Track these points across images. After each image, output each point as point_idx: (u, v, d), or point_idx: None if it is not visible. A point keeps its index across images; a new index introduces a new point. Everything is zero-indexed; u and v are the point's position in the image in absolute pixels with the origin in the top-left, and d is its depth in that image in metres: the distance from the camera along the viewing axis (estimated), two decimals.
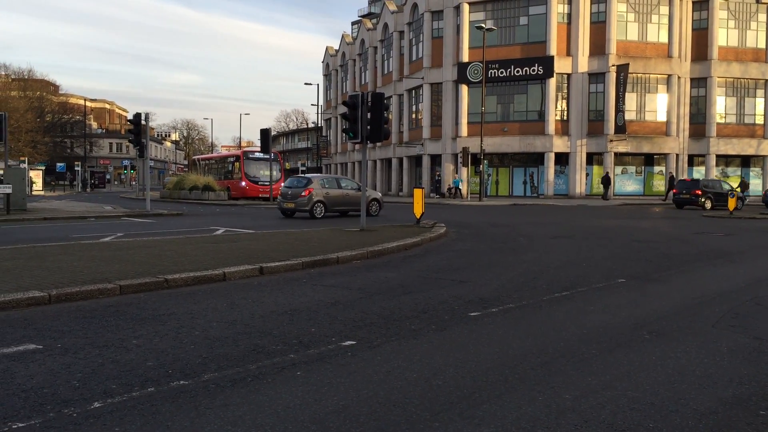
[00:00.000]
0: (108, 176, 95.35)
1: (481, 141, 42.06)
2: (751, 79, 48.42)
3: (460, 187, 46.33)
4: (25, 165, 54.92)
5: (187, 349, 5.68)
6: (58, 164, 71.14)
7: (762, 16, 48.29)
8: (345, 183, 27.23)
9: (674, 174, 45.34)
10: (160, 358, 5.42)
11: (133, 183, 79.09)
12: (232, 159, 47.93)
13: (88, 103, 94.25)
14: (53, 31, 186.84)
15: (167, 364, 5.25)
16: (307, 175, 30.09)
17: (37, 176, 56.73)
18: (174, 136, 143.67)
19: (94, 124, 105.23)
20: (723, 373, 5.17)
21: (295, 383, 4.79)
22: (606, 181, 44.31)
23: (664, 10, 46.61)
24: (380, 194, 28.58)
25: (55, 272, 9.23)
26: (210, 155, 68.79)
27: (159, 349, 5.68)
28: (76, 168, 69.82)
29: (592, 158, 47.47)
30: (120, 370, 5.06)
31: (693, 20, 47.74)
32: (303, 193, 24.72)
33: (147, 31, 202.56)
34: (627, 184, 46.74)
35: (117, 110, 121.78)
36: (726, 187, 37.48)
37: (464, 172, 46.86)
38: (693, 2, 47.49)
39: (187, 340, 6.02)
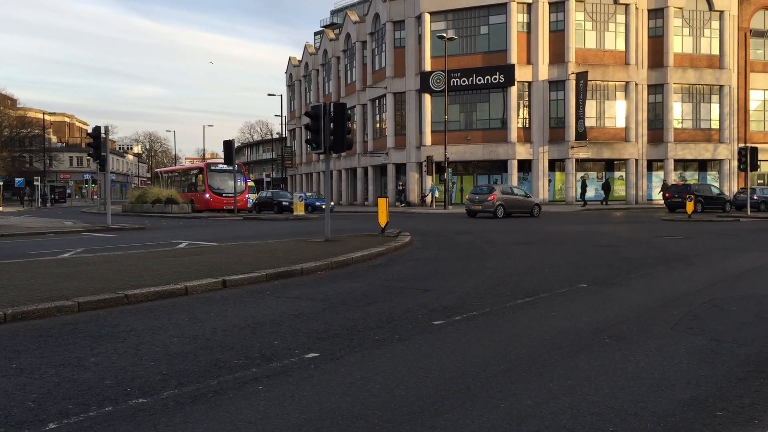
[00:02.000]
0: (68, 191, 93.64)
1: (445, 149, 42.35)
2: (706, 85, 49.58)
3: (436, 195, 46.63)
4: None
5: (147, 366, 5.59)
6: (17, 179, 69.63)
7: (715, 24, 49.53)
8: (516, 190, 34.15)
9: (666, 180, 46.92)
10: (119, 376, 5.32)
11: (95, 197, 77.83)
12: (195, 171, 47.48)
13: (48, 117, 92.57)
14: (10, 44, 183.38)
15: (126, 382, 5.15)
16: (489, 185, 37.12)
17: None
18: (136, 149, 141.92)
19: (54, 138, 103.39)
20: (681, 375, 5.25)
21: (256, 398, 4.74)
22: (606, 186, 45.30)
23: (621, 18, 47.55)
24: (540, 199, 37.27)
25: (11, 290, 9.01)
26: (173, 168, 68.07)
27: (117, 367, 5.58)
28: (35, 183, 68.43)
29: (554, 165, 48.11)
30: (77, 390, 4.95)
31: (649, 28, 48.78)
32: (488, 198, 31.25)
33: (108, 43, 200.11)
34: (588, 190, 47.38)
35: (77, 123, 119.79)
36: (715, 191, 38.67)
37: (429, 180, 47.09)
38: (648, 10, 48.54)
39: (147, 356, 5.92)
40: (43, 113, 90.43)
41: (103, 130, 26.81)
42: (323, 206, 41.78)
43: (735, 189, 48.40)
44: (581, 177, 46.47)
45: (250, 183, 55.47)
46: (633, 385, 4.97)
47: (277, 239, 18.41)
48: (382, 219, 19.54)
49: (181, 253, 14.50)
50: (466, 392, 4.84)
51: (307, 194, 45.43)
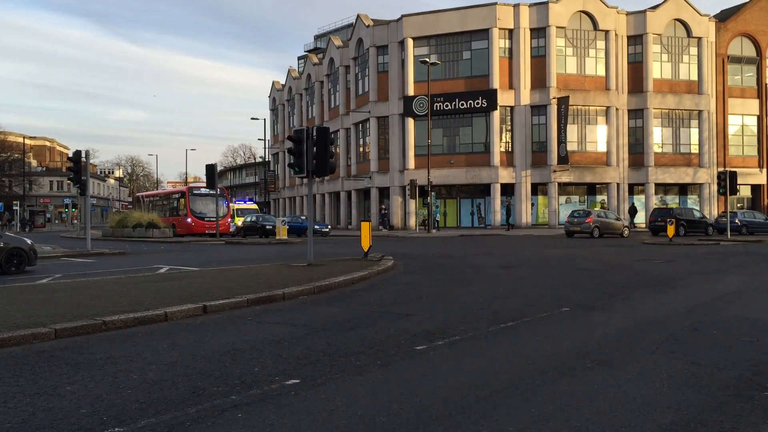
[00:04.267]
0: (48, 215, 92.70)
1: (428, 173, 42.50)
2: (685, 110, 50.31)
3: (438, 218, 46.64)
4: None
5: (124, 395, 5.49)
6: None
7: (693, 50, 50.39)
8: (609, 214, 38.21)
9: (634, 204, 47.40)
10: (95, 404, 5.22)
11: (75, 222, 77.10)
12: (177, 195, 47.24)
13: (28, 141, 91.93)
14: None
15: (102, 410, 5.06)
16: (586, 209, 40.85)
17: None
18: (118, 173, 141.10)
19: (34, 162, 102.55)
20: (662, 399, 5.25)
21: (236, 426, 4.67)
22: (633, 210, 45.63)
23: (601, 44, 48.25)
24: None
25: None
26: (154, 192, 67.72)
27: (94, 395, 5.48)
28: (14, 207, 67.68)
29: (537, 188, 48.40)
30: (52, 419, 4.85)
31: (628, 54, 49.52)
32: (586, 220, 35.60)
33: (90, 67, 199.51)
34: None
35: (58, 147, 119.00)
36: (697, 215, 39.14)
37: (412, 204, 47.18)
38: (628, 37, 49.30)
39: (124, 384, 5.83)
40: (24, 137, 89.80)
41: (83, 154, 26.65)
42: (324, 229, 42.08)
43: (715, 212, 48.93)
44: (506, 202, 46.95)
45: (254, 206, 55.36)
46: (615, 410, 4.96)
47: (260, 263, 18.31)
48: (365, 243, 19.52)
49: (161, 278, 14.36)
50: (448, 418, 4.80)
51: (302, 218, 45.33)
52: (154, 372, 6.26)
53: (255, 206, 55.42)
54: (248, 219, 44.36)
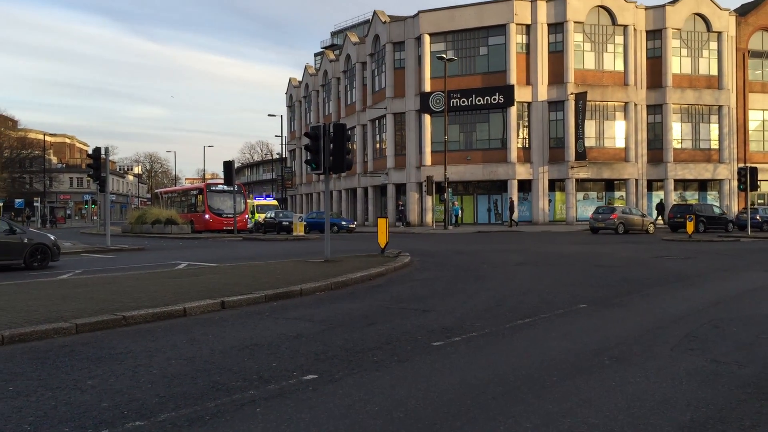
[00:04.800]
0: (69, 211, 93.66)
1: (445, 169, 42.43)
2: (705, 105, 49.77)
3: (460, 214, 46.48)
4: None
5: (144, 389, 5.56)
6: (17, 200, 69.67)
7: (713, 45, 49.84)
8: (634, 210, 38.45)
9: (662, 201, 46.90)
10: (116, 398, 5.29)
11: (95, 218, 77.84)
12: (195, 192, 47.54)
13: (48, 138, 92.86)
14: (12, 66, 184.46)
15: (122, 404, 5.12)
16: (610, 206, 40.87)
17: None
18: (136, 170, 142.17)
19: (54, 159, 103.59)
20: (681, 396, 5.22)
21: (254, 421, 4.71)
22: (660, 207, 45.45)
23: (619, 39, 47.85)
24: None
25: (9, 312, 8.99)
26: (173, 188, 68.16)
27: (114, 390, 5.55)
28: (35, 204, 68.46)
29: (554, 185, 48.15)
30: (73, 413, 4.92)
31: (647, 49, 49.06)
32: (611, 217, 35.50)
33: (110, 65, 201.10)
34: (589, 209, 47.39)
35: (78, 144, 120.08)
36: (717, 211, 38.78)
37: (429, 200, 47.12)
38: (647, 32, 48.85)
39: (144, 378, 5.89)
40: (44, 134, 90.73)
41: (103, 151, 26.91)
42: (350, 225, 42.04)
43: (735, 209, 48.41)
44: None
45: (273, 201, 55.55)
46: (633, 407, 4.94)
47: (277, 260, 18.39)
48: (382, 239, 19.54)
49: (179, 274, 14.48)
50: (465, 414, 4.81)
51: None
52: (173, 367, 6.32)
53: (275, 202, 55.53)
54: (268, 215, 44.50)
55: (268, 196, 66.65)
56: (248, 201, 50.41)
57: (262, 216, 46.31)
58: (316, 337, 7.74)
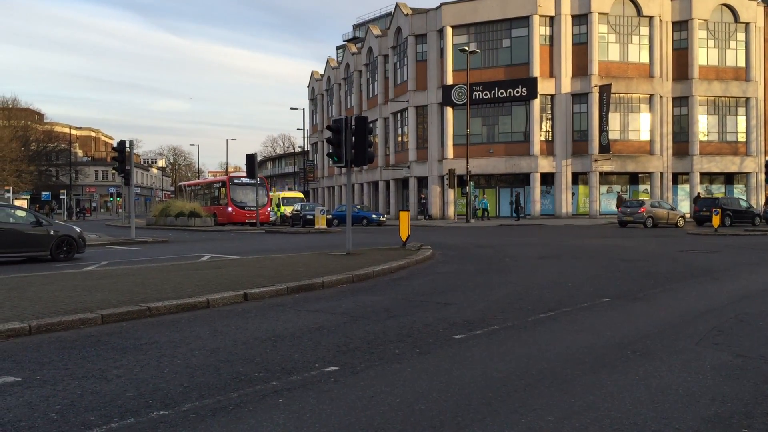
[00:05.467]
0: (94, 204, 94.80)
1: (467, 162, 42.27)
2: (732, 97, 49.03)
3: (487, 207, 46.30)
4: (10, 194, 54.61)
5: (168, 379, 5.63)
6: (44, 193, 70.72)
7: (741, 36, 49.04)
8: (664, 204, 38.06)
9: (699, 193, 46.17)
10: (141, 388, 5.36)
11: (120, 210, 78.71)
12: (218, 185, 47.87)
13: (74, 131, 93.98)
14: (38, 60, 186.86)
15: (147, 394, 5.19)
16: (639, 199, 40.06)
17: (22, 205, 56.25)
18: (160, 163, 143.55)
19: (80, 152, 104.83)
20: (706, 391, 5.17)
21: (276, 411, 4.75)
22: (698, 200, 44.90)
23: (645, 31, 47.26)
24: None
25: (36, 303, 9.14)
26: (196, 181, 68.71)
27: (139, 379, 5.62)
28: (61, 196, 69.44)
29: (578, 178, 47.77)
30: (99, 402, 4.99)
31: (673, 40, 48.40)
32: (639, 211, 34.83)
33: (133, 58, 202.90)
34: (612, 203, 46.98)
35: (103, 138, 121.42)
36: (744, 204, 38.26)
37: (450, 193, 46.99)
38: (673, 23, 48.18)
39: (168, 369, 5.96)
40: (70, 128, 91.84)
41: (127, 144, 27.18)
42: (380, 218, 41.48)
43: (762, 202, 47.68)
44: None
45: (299, 194, 55.22)
46: (656, 401, 4.90)
47: (299, 252, 18.48)
48: (404, 232, 19.53)
49: (203, 266, 14.60)
50: (487, 407, 4.80)
51: (357, 206, 45.14)
52: (197, 357, 6.39)
53: (301, 194, 55.36)
54: (295, 208, 44.08)
55: (292, 188, 66.32)
56: (275, 194, 50.46)
57: (289, 209, 45.87)
58: (338, 329, 7.77)
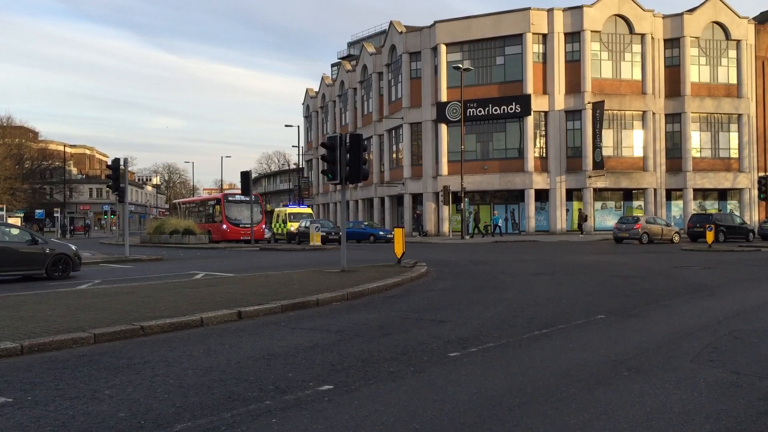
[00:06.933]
0: (88, 222, 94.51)
1: (462, 179, 42.36)
2: (724, 113, 49.37)
3: (500, 224, 46.23)
4: (3, 212, 54.41)
5: (161, 399, 5.58)
6: (37, 211, 70.50)
7: (732, 53, 49.48)
8: (658, 220, 38.87)
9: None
10: (133, 408, 5.31)
11: (114, 228, 78.42)
12: (212, 202, 47.81)
13: (68, 149, 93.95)
14: (33, 78, 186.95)
15: (139, 414, 5.15)
16: (634, 216, 40.57)
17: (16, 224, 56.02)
18: (155, 180, 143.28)
19: (74, 170, 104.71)
20: (700, 409, 5.16)
21: (269, 431, 4.71)
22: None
23: (637, 48, 47.65)
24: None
25: (29, 322, 9.08)
26: (191, 198, 68.64)
27: (132, 399, 5.57)
28: (55, 215, 69.21)
29: (572, 194, 47.93)
30: (91, 423, 4.95)
31: (665, 57, 48.81)
32: (634, 227, 35.33)
33: (128, 76, 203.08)
34: (606, 219, 47.14)
35: (97, 155, 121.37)
36: (737, 220, 38.43)
37: (445, 210, 47.04)
38: (664, 40, 48.61)
39: (161, 389, 5.92)
40: (64, 145, 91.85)
41: (122, 162, 27.17)
42: (388, 235, 40.12)
43: (756, 218, 47.89)
44: (472, 211, 46.12)
45: (308, 209, 53.08)
46: (652, 419, 4.89)
47: (293, 270, 18.43)
48: (399, 249, 19.52)
49: (197, 284, 14.55)
50: (482, 426, 4.78)
51: (365, 223, 44.89)
52: (190, 377, 6.34)
53: (309, 210, 53.38)
54: (303, 225, 41.95)
55: (302, 204, 62.50)
56: (281, 209, 49.66)
57: (295, 225, 43.62)
58: (332, 347, 7.74)
